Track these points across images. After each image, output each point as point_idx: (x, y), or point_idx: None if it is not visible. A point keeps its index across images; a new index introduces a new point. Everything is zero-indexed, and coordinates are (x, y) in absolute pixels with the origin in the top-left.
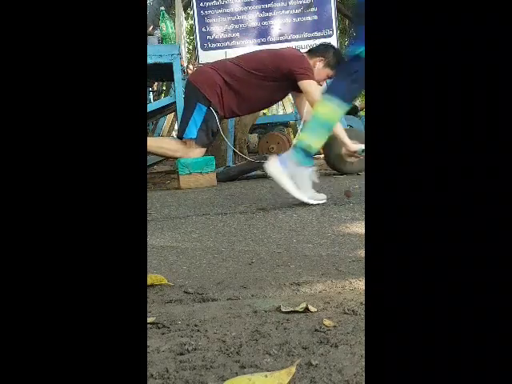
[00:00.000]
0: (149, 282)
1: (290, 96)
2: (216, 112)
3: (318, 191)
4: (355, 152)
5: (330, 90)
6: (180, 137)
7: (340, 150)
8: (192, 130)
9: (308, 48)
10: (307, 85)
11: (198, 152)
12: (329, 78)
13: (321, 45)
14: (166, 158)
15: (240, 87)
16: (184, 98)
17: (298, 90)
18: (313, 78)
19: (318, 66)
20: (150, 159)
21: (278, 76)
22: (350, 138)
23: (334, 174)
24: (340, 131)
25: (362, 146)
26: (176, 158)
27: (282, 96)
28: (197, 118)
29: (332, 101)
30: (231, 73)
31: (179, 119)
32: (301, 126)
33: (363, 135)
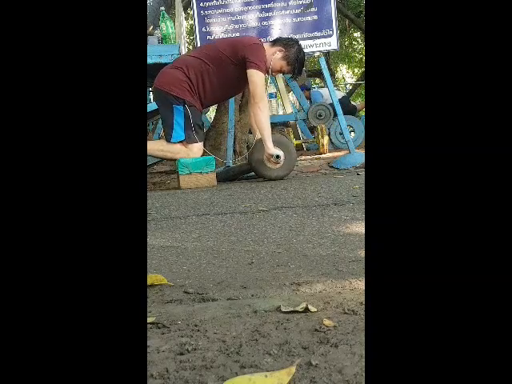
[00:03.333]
0: (149, 282)
1: (290, 96)
2: (193, 106)
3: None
4: (271, 156)
5: None
6: (168, 141)
7: (262, 154)
8: (179, 133)
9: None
10: (253, 74)
11: (196, 149)
12: (282, 72)
13: (289, 38)
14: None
15: (204, 77)
16: (157, 105)
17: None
18: (261, 70)
19: (276, 55)
20: (150, 159)
21: (235, 62)
22: (276, 143)
23: (334, 174)
24: (266, 131)
25: (280, 153)
26: (176, 159)
27: (245, 84)
28: (178, 119)
29: None
30: (191, 66)
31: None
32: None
33: (288, 145)
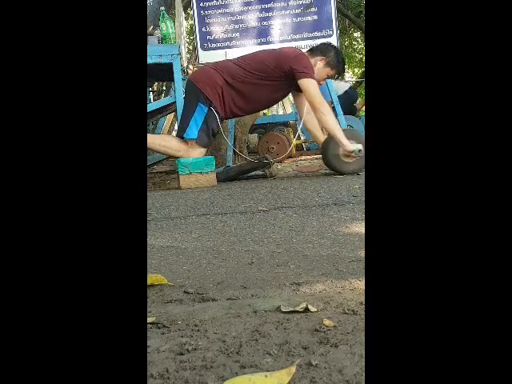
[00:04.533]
0: (149, 282)
1: (290, 96)
2: (217, 112)
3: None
4: (352, 152)
5: None
6: (180, 136)
7: (337, 150)
8: (193, 131)
9: (309, 47)
10: (307, 83)
11: (198, 152)
12: (329, 77)
13: (322, 44)
14: (166, 158)
15: (241, 88)
16: (184, 97)
17: (298, 89)
18: (313, 77)
19: (319, 65)
20: (150, 159)
21: (278, 75)
22: (348, 138)
23: (334, 174)
24: (337, 131)
25: (359, 146)
26: (176, 158)
27: (282, 96)
28: (198, 117)
29: None
30: (233, 73)
31: (179, 118)
32: (300, 126)
33: (360, 136)
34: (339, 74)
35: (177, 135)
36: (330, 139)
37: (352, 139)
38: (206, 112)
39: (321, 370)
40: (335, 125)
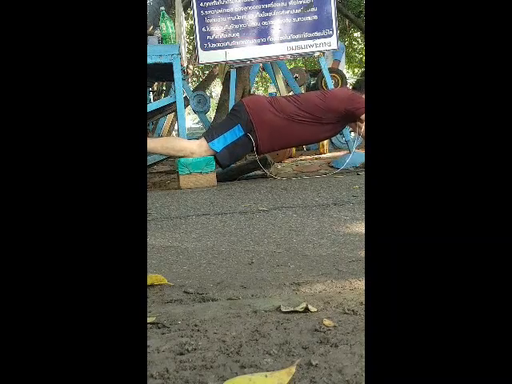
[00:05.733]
0: (149, 282)
1: None
2: (250, 142)
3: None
4: None
5: None
6: (207, 140)
7: None
8: (219, 145)
9: (350, 85)
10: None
11: (204, 153)
12: None
13: (359, 81)
14: (166, 158)
15: (284, 128)
16: (229, 113)
17: (352, 121)
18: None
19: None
20: (150, 159)
21: (330, 117)
22: None
23: (334, 174)
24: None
25: None
26: (180, 157)
27: (333, 134)
28: (229, 137)
29: None
30: (285, 112)
31: (180, 119)
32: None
33: None
34: None
35: (203, 136)
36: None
37: None
38: (239, 136)
39: (321, 370)
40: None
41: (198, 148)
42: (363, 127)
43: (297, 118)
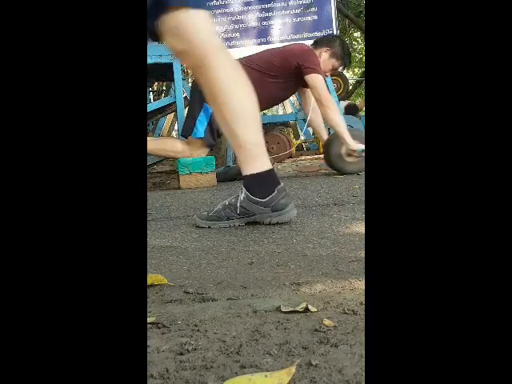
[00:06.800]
0: (149, 282)
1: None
2: None
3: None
4: (355, 151)
5: None
6: (185, 136)
7: (340, 149)
8: (200, 130)
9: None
10: (314, 79)
11: (201, 152)
12: (335, 69)
13: (327, 35)
14: (166, 158)
15: None
16: (190, 97)
17: (305, 86)
18: (320, 73)
19: (324, 56)
20: (150, 159)
21: (286, 73)
22: (352, 137)
23: (334, 174)
24: (343, 128)
25: (362, 146)
26: (177, 158)
27: (290, 94)
28: (203, 118)
29: None
30: None
31: (180, 119)
32: (305, 124)
33: (363, 135)
34: (345, 65)
35: (181, 135)
36: (333, 138)
37: (355, 139)
38: (211, 112)
39: (321, 370)
40: (341, 122)
41: (188, 150)
42: (311, 107)
43: (253, 79)
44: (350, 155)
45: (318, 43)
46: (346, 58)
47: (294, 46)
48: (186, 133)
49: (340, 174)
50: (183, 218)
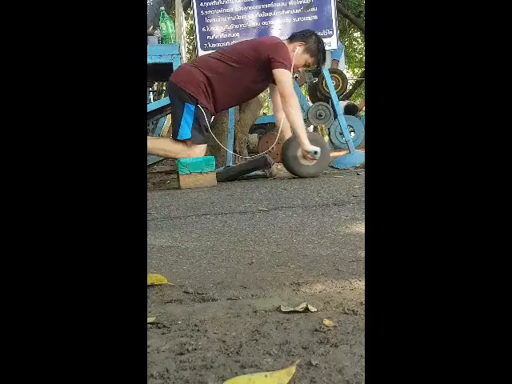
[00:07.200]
0: (149, 282)
1: None
2: (205, 108)
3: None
4: (308, 152)
5: None
6: (174, 138)
7: (296, 151)
8: (186, 131)
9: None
10: (281, 74)
11: (198, 151)
12: (308, 65)
13: (304, 30)
14: (165, 158)
15: (223, 81)
16: (170, 99)
17: (274, 81)
18: (288, 69)
19: (298, 50)
20: (150, 159)
21: (258, 65)
22: (309, 139)
23: (334, 174)
24: (301, 128)
25: (316, 149)
26: (177, 159)
27: (262, 87)
28: (187, 117)
29: None
30: (212, 68)
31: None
32: (275, 124)
33: (321, 141)
34: (319, 63)
35: (172, 138)
36: (291, 140)
37: (312, 141)
38: (193, 110)
39: (321, 370)
40: (300, 121)
41: (185, 151)
42: (279, 105)
43: (227, 72)
44: (304, 157)
45: (294, 37)
46: (319, 55)
47: (266, 39)
48: (174, 135)
49: (339, 174)
50: (183, 218)
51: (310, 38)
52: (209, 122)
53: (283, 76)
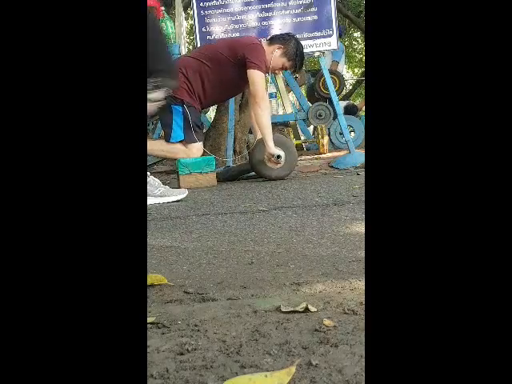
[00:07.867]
0: (149, 282)
1: (290, 96)
2: (191, 107)
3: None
4: (272, 155)
5: None
6: (167, 141)
7: (263, 155)
8: (178, 133)
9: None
10: (253, 74)
11: (195, 150)
12: (284, 69)
13: (284, 34)
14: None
15: (203, 79)
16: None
17: (245, 80)
18: (262, 71)
19: (276, 53)
20: (150, 159)
21: (233, 62)
22: (276, 143)
23: (334, 174)
24: (267, 130)
25: (280, 153)
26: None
27: (243, 82)
28: (177, 119)
29: None
30: (191, 67)
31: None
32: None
33: (288, 146)
34: (296, 68)
35: (165, 139)
36: (259, 142)
37: (278, 145)
38: (181, 111)
39: (321, 370)
40: (267, 124)
41: (185, 151)
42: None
43: (204, 71)
44: (268, 160)
45: (273, 39)
46: (297, 60)
47: (244, 38)
48: (167, 139)
49: (339, 174)
50: (183, 218)
51: (290, 42)
52: (198, 119)
53: (256, 77)
